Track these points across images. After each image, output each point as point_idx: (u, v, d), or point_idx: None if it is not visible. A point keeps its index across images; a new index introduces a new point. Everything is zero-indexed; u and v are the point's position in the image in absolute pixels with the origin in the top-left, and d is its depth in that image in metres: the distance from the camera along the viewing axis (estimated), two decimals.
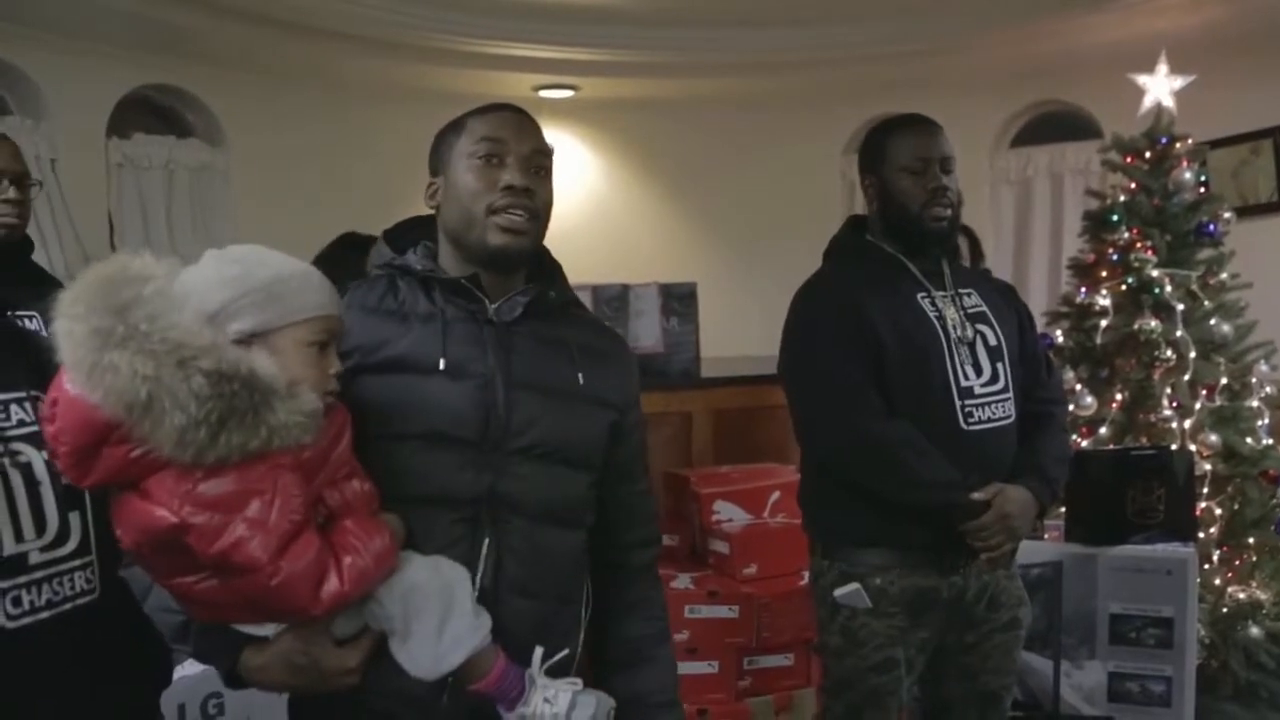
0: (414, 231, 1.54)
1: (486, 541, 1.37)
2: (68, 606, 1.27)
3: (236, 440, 1.13)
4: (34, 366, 1.32)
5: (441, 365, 1.38)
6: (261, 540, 1.14)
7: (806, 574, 2.44)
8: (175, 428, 1.10)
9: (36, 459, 1.27)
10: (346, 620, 1.28)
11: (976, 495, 2.01)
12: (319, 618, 1.22)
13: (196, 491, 1.13)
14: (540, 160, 1.45)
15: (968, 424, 2.06)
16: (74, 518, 1.29)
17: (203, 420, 1.11)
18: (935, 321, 2.09)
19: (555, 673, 1.36)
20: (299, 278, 1.26)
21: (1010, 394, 2.13)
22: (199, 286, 1.20)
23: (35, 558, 1.25)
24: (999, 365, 2.12)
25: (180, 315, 1.15)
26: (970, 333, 2.11)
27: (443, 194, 1.47)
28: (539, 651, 1.35)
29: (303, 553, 1.16)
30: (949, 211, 2.12)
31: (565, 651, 1.39)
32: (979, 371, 2.09)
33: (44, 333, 1.34)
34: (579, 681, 1.37)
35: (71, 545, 1.29)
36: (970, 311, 2.14)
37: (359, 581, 1.20)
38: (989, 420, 2.08)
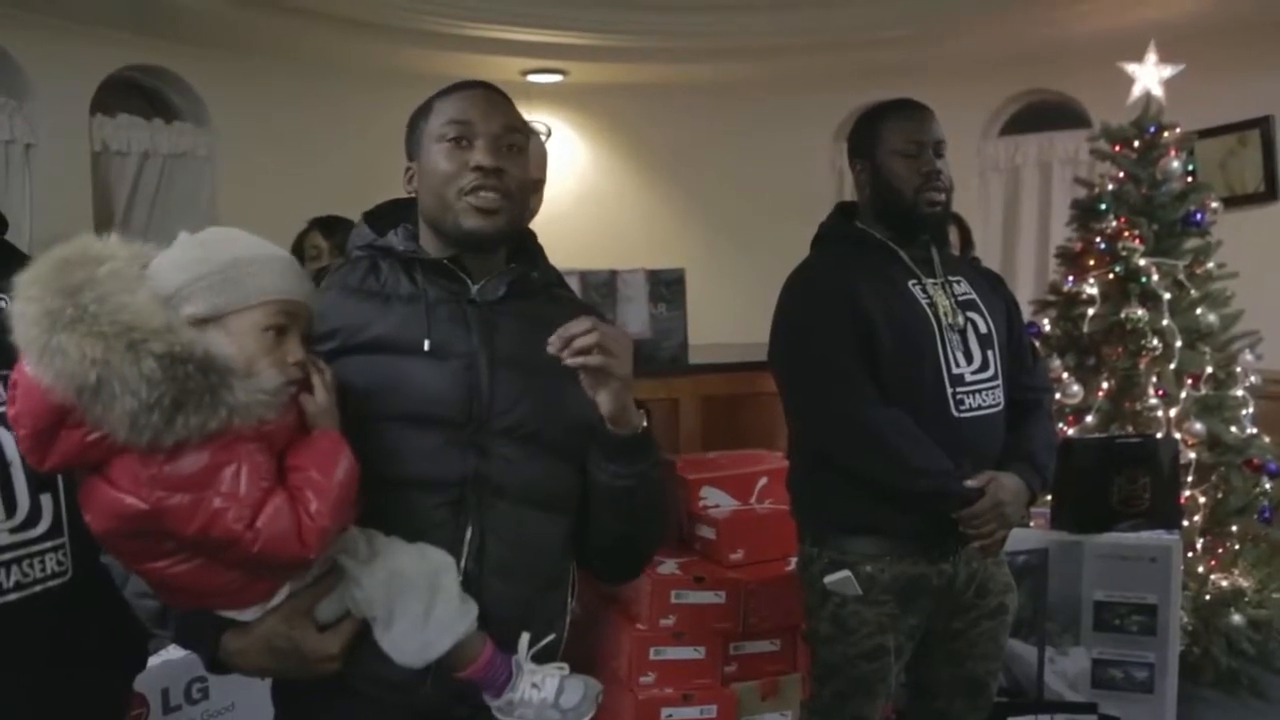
0: (394, 213, 1.53)
1: (470, 525, 1.36)
2: (38, 588, 1.26)
3: (195, 422, 1.11)
4: (6, 346, 1.30)
5: (426, 346, 1.37)
6: (236, 511, 1.13)
7: (793, 560, 2.44)
8: (126, 412, 1.08)
9: (7, 439, 1.25)
10: (329, 605, 1.27)
11: (970, 483, 2.01)
12: (314, 560, 1.20)
13: (164, 473, 1.12)
14: (512, 138, 1.43)
15: (959, 411, 2.06)
16: (45, 499, 1.27)
17: (154, 404, 1.09)
18: (927, 309, 2.09)
19: (541, 658, 1.35)
20: (259, 262, 1.22)
21: (1000, 382, 2.13)
22: (163, 268, 1.19)
23: (4, 539, 1.23)
24: (989, 353, 2.12)
25: (133, 297, 1.12)
26: (961, 320, 2.11)
27: (418, 178, 1.46)
28: (525, 637, 1.34)
29: (276, 514, 1.15)
30: (943, 196, 2.11)
31: (551, 636, 1.39)
32: (970, 359, 2.09)
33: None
34: (566, 666, 1.36)
35: (43, 527, 1.27)
36: (960, 299, 2.14)
37: (335, 508, 1.18)
38: (979, 408, 2.08)
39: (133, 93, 5.15)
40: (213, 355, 1.13)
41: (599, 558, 1.52)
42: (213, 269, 1.19)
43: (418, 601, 1.26)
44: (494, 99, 1.45)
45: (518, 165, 1.43)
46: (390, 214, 1.53)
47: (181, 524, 1.13)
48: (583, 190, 6.03)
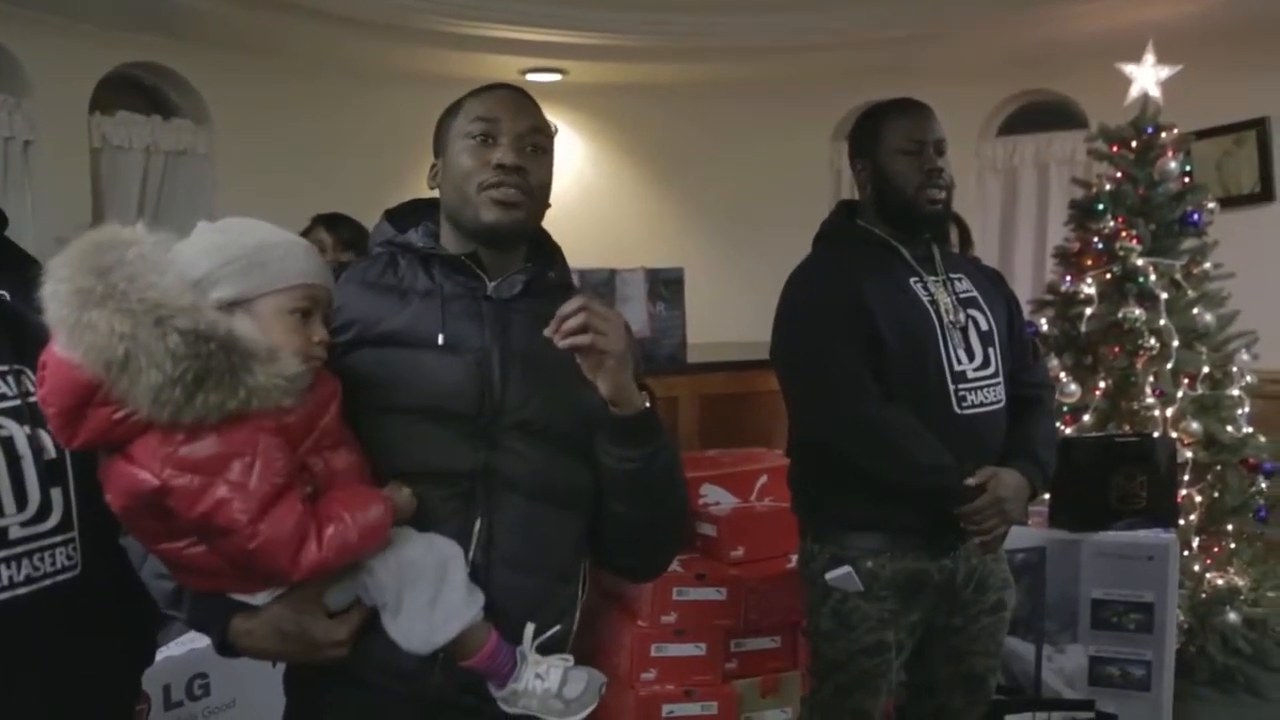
0: (415, 213, 1.55)
1: (479, 517, 1.37)
2: (48, 582, 1.26)
3: (214, 400, 1.14)
4: (14, 341, 1.31)
5: (440, 340, 1.39)
6: (241, 503, 1.14)
7: (794, 557, 2.45)
8: (151, 386, 1.12)
9: (18, 433, 1.26)
10: (339, 592, 1.28)
11: (970, 481, 2.02)
12: (298, 582, 1.22)
13: (178, 454, 1.14)
14: (536, 139, 1.46)
15: (961, 408, 2.07)
16: (56, 493, 1.28)
17: (178, 379, 1.12)
18: (929, 306, 2.10)
19: (547, 649, 1.36)
20: (282, 247, 1.27)
21: (1001, 378, 2.14)
22: (187, 255, 1.22)
23: (15, 533, 1.24)
24: (990, 350, 2.13)
25: (161, 277, 1.16)
26: (962, 317, 2.12)
27: (442, 174, 1.49)
28: (530, 627, 1.35)
29: (283, 517, 1.16)
30: (943, 194, 2.13)
31: (558, 628, 1.39)
32: (971, 356, 2.10)
33: (17, 308, 1.33)
34: (570, 658, 1.37)
35: (53, 521, 1.28)
36: (962, 296, 2.15)
37: (340, 551, 1.20)
38: (981, 404, 2.09)
39: (132, 90, 5.14)
40: (236, 336, 1.17)
41: (619, 552, 1.52)
42: (240, 253, 1.23)
43: (425, 589, 1.27)
44: (522, 101, 1.49)
45: (540, 166, 1.46)
46: (411, 213, 1.56)
47: (185, 505, 1.15)
48: (581, 189, 6.03)
